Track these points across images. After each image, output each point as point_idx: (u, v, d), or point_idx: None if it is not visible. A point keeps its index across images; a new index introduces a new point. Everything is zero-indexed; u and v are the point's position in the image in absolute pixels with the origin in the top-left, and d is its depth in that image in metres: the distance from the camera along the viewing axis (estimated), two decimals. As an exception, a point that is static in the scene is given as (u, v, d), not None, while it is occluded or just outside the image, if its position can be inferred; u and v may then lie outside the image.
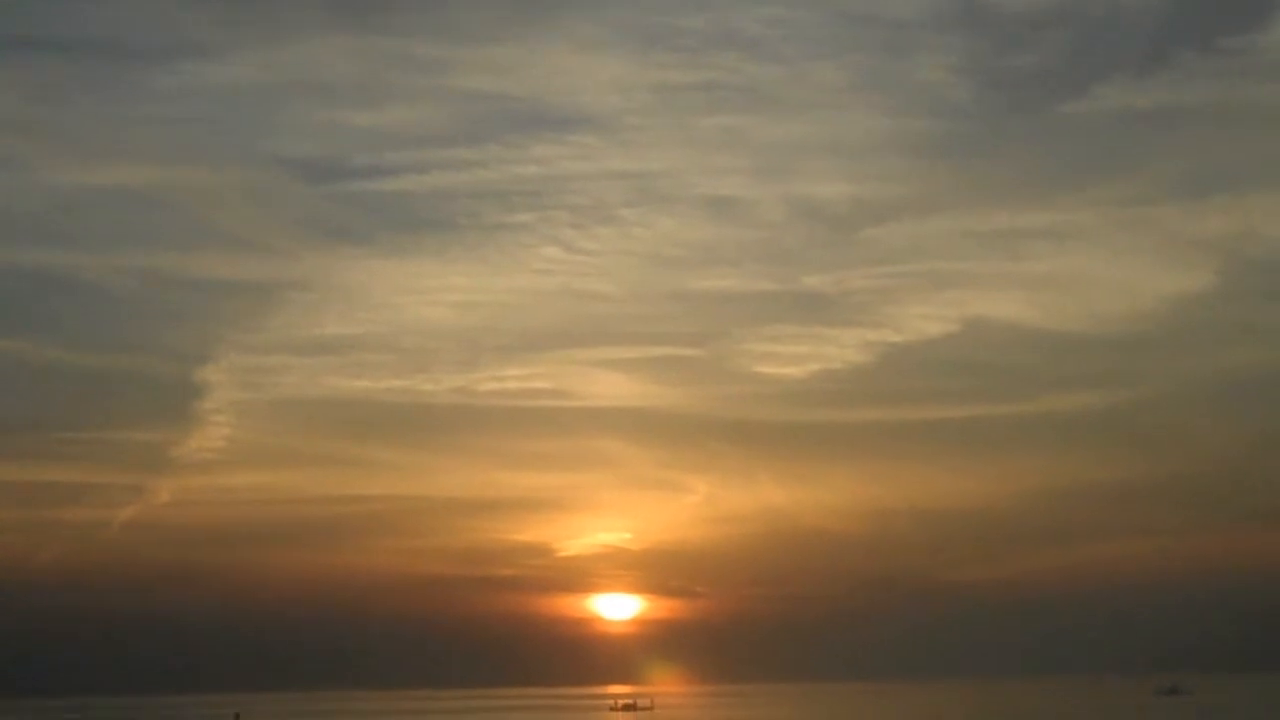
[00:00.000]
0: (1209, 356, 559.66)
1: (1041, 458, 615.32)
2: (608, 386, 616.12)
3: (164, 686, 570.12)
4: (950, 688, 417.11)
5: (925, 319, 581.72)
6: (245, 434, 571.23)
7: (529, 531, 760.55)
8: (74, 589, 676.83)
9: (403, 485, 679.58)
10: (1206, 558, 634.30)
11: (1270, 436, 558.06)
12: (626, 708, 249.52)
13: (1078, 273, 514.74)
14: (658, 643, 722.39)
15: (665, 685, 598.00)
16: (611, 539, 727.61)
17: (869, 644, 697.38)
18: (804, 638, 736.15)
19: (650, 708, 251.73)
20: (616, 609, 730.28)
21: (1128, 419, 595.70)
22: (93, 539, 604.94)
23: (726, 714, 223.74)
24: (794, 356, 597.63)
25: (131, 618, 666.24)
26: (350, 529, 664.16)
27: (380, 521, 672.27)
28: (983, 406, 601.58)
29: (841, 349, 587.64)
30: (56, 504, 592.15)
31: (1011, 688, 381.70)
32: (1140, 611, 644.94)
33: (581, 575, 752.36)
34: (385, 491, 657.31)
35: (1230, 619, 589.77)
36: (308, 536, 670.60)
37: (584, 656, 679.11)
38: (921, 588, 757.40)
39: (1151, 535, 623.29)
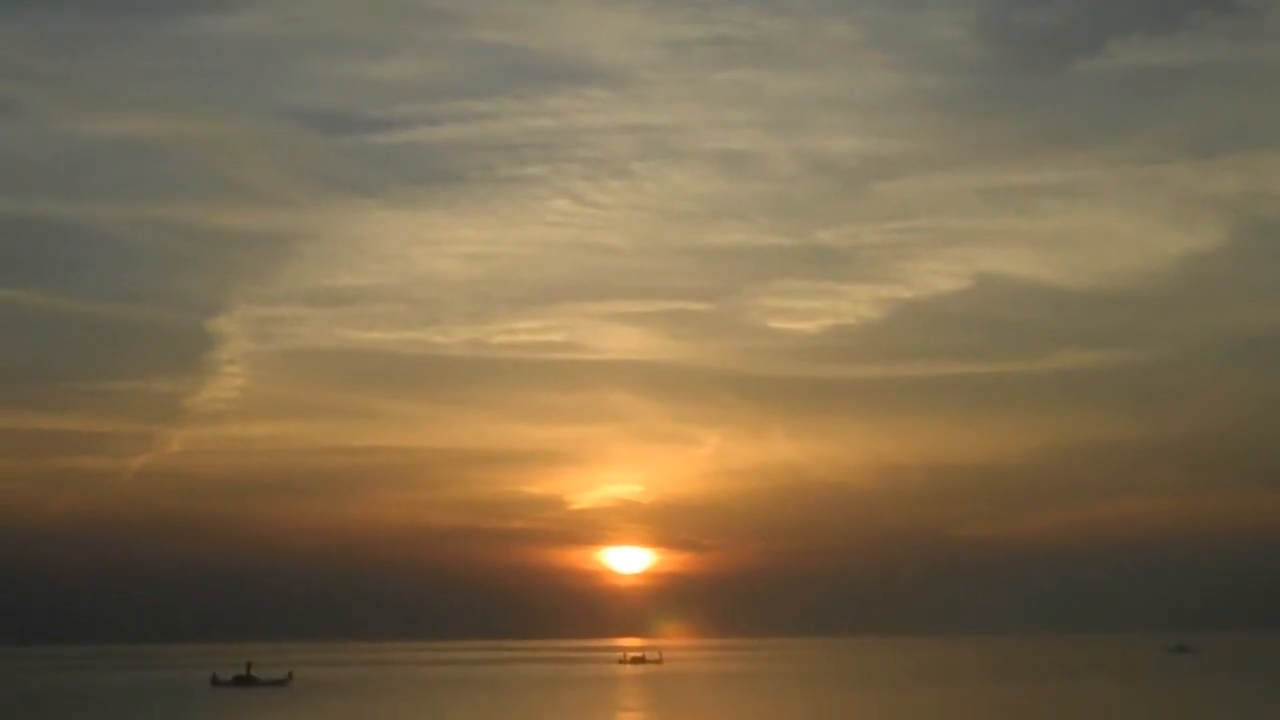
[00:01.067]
0: (1221, 315, 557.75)
1: (1052, 415, 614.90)
2: (619, 340, 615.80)
3: (175, 635, 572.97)
4: (958, 643, 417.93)
5: (937, 275, 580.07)
6: (257, 384, 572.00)
7: (540, 484, 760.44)
8: (86, 538, 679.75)
9: (414, 437, 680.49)
10: (1217, 517, 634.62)
11: (1276, 396, 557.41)
12: (635, 660, 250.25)
13: (1089, 230, 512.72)
14: (667, 596, 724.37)
15: (674, 638, 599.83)
16: (622, 492, 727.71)
17: (878, 599, 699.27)
18: (813, 592, 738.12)
19: (659, 661, 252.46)
20: (627, 562, 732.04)
21: (1139, 377, 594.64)
22: (105, 488, 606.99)
23: (735, 667, 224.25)
24: (806, 311, 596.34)
25: (143, 566, 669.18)
26: (362, 480, 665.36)
27: (392, 473, 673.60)
28: (994, 363, 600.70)
29: (853, 304, 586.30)
30: (69, 453, 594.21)
31: (1019, 644, 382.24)
32: (1150, 570, 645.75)
33: (592, 528, 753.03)
34: (397, 443, 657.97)
35: (1240, 578, 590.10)
36: (319, 487, 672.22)
37: (594, 609, 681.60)
38: (931, 543, 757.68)
39: (1162, 494, 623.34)
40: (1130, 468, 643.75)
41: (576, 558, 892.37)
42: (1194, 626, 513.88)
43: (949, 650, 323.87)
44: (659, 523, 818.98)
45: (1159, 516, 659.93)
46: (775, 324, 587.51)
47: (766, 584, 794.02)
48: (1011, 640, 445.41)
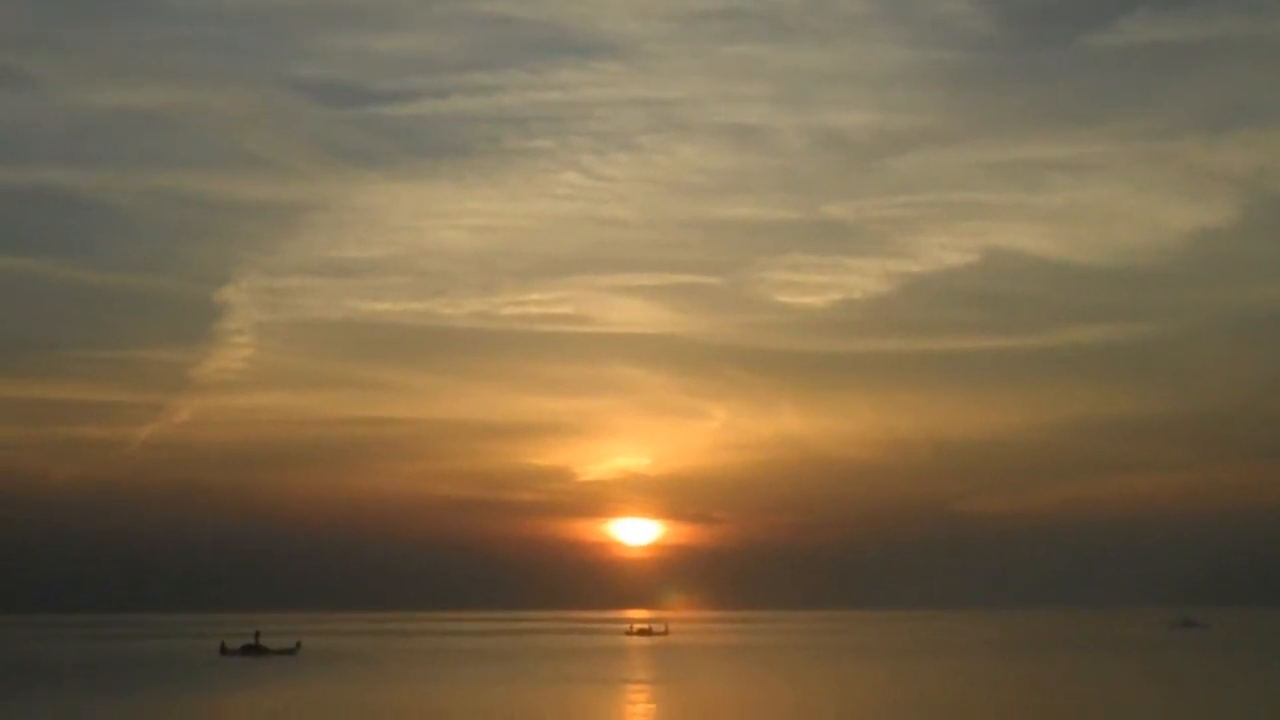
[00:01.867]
0: (1230, 291, 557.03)
1: (1060, 390, 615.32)
2: (627, 313, 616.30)
3: (182, 605, 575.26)
4: (964, 618, 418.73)
5: (945, 249, 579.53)
6: (265, 355, 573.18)
7: (549, 456, 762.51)
8: (92, 507, 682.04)
9: (422, 408, 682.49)
10: (1226, 492, 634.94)
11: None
12: (642, 632, 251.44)
13: (1098, 205, 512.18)
14: (675, 568, 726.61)
15: (682, 611, 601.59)
16: (630, 464, 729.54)
17: (885, 573, 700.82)
18: (820, 565, 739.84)
19: (665, 633, 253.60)
20: (635, 534, 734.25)
21: (1147, 353, 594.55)
22: (111, 458, 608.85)
23: (740, 640, 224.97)
24: (814, 285, 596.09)
25: (150, 536, 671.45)
26: (370, 451, 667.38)
27: (400, 444, 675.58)
28: (1001, 338, 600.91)
29: (861, 278, 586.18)
30: (76, 422, 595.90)
31: (1025, 619, 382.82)
32: (1157, 545, 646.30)
33: (600, 500, 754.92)
34: (405, 414, 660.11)
35: (1247, 553, 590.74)
36: (327, 458, 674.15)
37: (602, 581, 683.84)
38: (938, 518, 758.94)
39: (1170, 470, 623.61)
40: (1138, 443, 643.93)
41: (584, 529, 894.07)
42: (1201, 601, 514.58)
43: (955, 624, 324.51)
44: (667, 495, 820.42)
45: (1167, 492, 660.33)
46: (783, 298, 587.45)
47: (774, 557, 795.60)
48: (1018, 615, 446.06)
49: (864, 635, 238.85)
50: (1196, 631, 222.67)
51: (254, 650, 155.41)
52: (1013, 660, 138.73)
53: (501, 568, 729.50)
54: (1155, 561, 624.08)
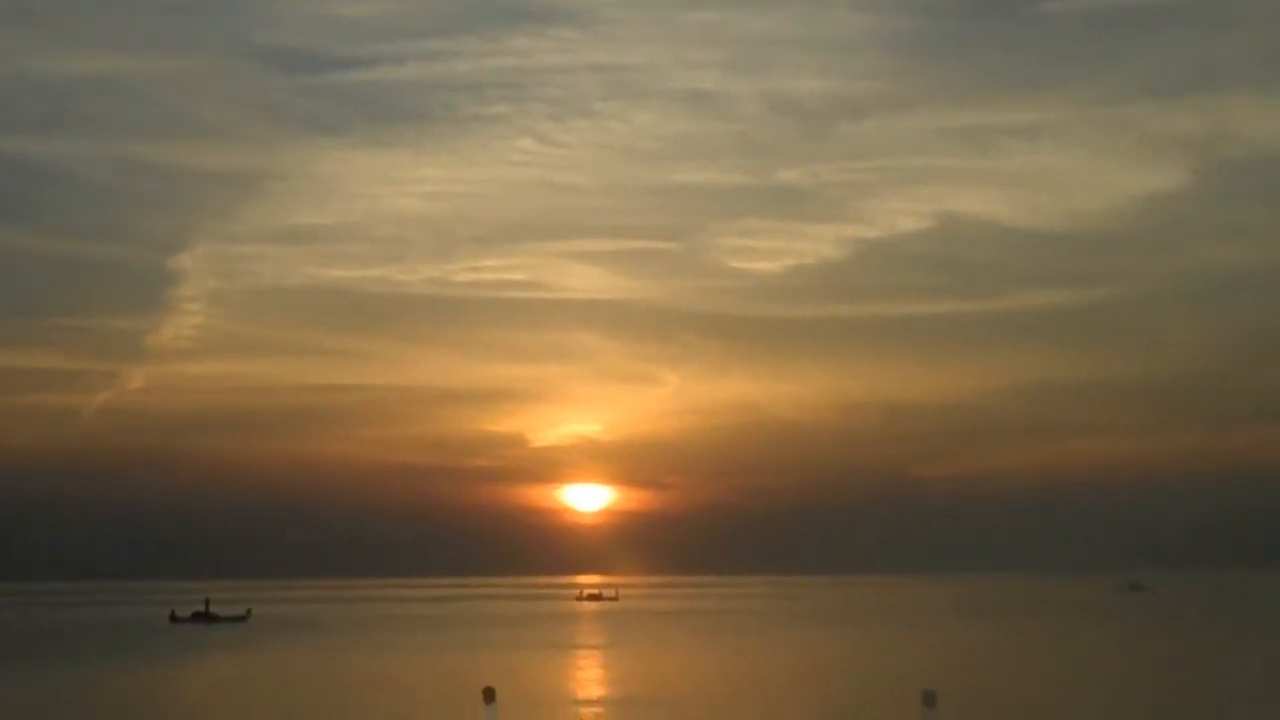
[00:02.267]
0: (1183, 256, 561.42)
1: (1014, 354, 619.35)
2: (582, 279, 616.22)
3: (134, 572, 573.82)
4: (917, 583, 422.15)
5: (899, 214, 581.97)
6: (220, 322, 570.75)
7: (503, 422, 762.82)
8: (46, 474, 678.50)
9: (377, 375, 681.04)
10: (1178, 457, 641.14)
11: (1244, 337, 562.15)
12: (592, 598, 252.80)
13: (1052, 170, 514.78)
14: (628, 533, 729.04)
15: (634, 576, 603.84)
16: (584, 430, 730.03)
17: (837, 538, 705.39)
18: (773, 531, 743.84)
19: (615, 598, 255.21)
20: (588, 500, 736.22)
21: (1101, 317, 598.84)
22: (66, 425, 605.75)
23: (691, 605, 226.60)
24: (769, 251, 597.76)
25: (104, 503, 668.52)
26: (325, 418, 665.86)
27: (355, 411, 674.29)
28: (956, 302, 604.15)
29: (815, 244, 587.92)
30: (30, 390, 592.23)
31: (977, 584, 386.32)
32: (1109, 510, 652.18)
33: (554, 466, 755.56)
34: (360, 381, 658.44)
35: (1199, 518, 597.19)
36: (283, 425, 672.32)
37: (555, 547, 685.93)
38: (891, 482, 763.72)
39: (1123, 434, 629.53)
40: (1091, 408, 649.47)
41: (538, 495, 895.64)
42: (1153, 565, 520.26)
43: (907, 590, 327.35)
44: (620, 461, 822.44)
45: (1119, 456, 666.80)
46: (738, 263, 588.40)
47: (727, 522, 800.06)
48: (970, 580, 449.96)
49: (815, 601, 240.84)
50: (1143, 596, 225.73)
51: (204, 618, 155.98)
52: (961, 625, 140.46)
53: (456, 534, 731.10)
54: (1107, 526, 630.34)
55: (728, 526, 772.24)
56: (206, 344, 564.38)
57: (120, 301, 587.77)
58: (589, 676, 75.53)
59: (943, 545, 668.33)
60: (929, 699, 50.38)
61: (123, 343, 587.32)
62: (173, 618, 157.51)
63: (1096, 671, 73.72)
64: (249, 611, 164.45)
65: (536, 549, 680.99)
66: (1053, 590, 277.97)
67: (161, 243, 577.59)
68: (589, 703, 59.41)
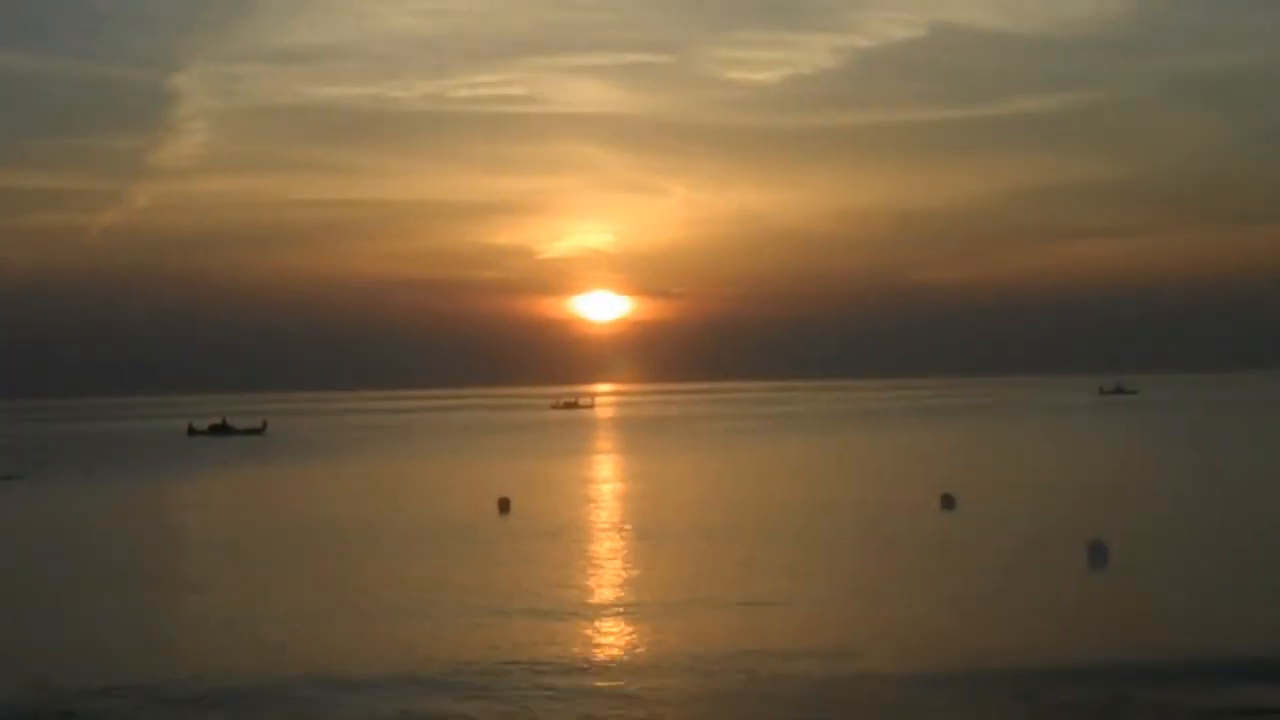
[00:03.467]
0: (1176, 58, 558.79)
1: (1013, 160, 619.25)
2: (580, 93, 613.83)
3: (144, 387, 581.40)
4: (919, 385, 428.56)
5: (892, 23, 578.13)
6: (221, 140, 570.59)
7: (508, 234, 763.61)
8: (55, 293, 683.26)
9: (379, 189, 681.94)
10: (1176, 259, 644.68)
11: (1244, 138, 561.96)
12: (568, 405, 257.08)
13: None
14: (638, 343, 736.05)
15: (646, 384, 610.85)
16: (591, 241, 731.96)
17: (843, 342, 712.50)
18: (781, 336, 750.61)
19: (591, 406, 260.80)
20: (597, 309, 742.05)
21: (1099, 121, 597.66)
22: (72, 244, 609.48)
23: (671, 411, 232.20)
24: (763, 62, 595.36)
25: (112, 321, 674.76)
26: (329, 232, 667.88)
27: (359, 226, 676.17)
28: (952, 109, 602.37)
29: (810, 54, 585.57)
30: (33, 209, 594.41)
31: (965, 386, 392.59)
32: (1103, 313, 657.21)
33: (562, 276, 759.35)
34: (363, 196, 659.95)
35: (1192, 320, 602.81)
36: (287, 240, 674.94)
37: (566, 356, 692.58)
38: (895, 288, 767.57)
39: (1120, 235, 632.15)
40: (1088, 209, 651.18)
41: (547, 306, 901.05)
42: (1147, 369, 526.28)
43: (909, 392, 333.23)
44: (628, 271, 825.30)
45: (1118, 259, 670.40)
46: (733, 74, 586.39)
47: (735, 329, 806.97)
48: (968, 383, 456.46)
49: (815, 405, 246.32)
50: (1125, 398, 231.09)
51: (221, 430, 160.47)
52: (945, 425, 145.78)
53: (467, 345, 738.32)
54: (1101, 330, 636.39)
55: (738, 332, 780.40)
56: (208, 162, 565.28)
57: (120, 121, 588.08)
58: (600, 481, 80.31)
59: (944, 349, 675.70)
60: (948, 501, 55.14)
61: (124, 162, 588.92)
62: (190, 431, 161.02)
63: (1077, 470, 78.54)
64: (265, 424, 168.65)
65: (548, 359, 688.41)
66: (1041, 393, 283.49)
67: (158, 62, 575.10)
68: (594, 506, 64.17)
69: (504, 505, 59.86)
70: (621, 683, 25.75)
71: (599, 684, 25.71)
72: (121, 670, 27.71)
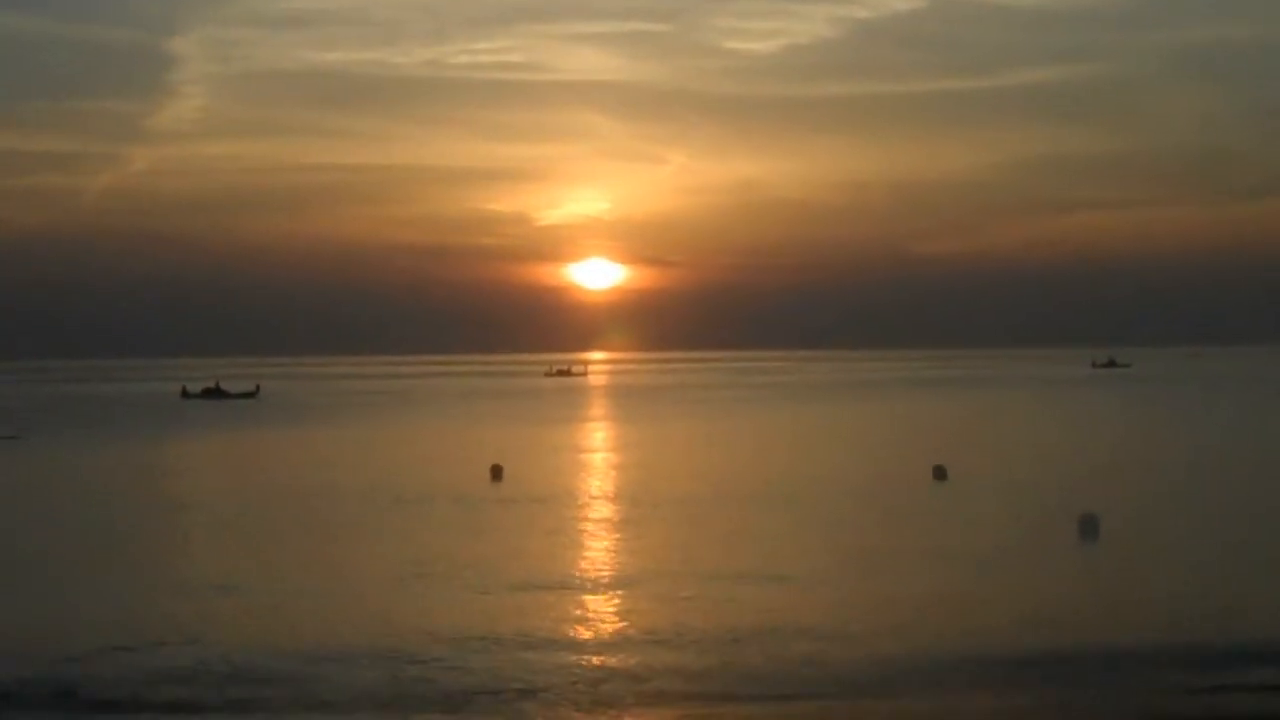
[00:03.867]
0: (1176, 31, 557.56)
1: (1012, 131, 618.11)
2: (579, 60, 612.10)
3: (140, 350, 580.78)
4: (907, 357, 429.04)
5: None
6: (219, 104, 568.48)
7: (506, 201, 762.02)
8: (53, 255, 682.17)
9: (378, 154, 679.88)
10: (1174, 233, 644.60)
11: (1244, 112, 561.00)
12: (561, 373, 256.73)
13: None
14: (634, 310, 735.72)
15: (644, 351, 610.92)
16: (588, 209, 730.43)
17: (841, 313, 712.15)
18: (779, 307, 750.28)
19: (584, 374, 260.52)
20: (594, 277, 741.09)
21: (1100, 93, 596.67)
22: (71, 206, 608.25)
23: (662, 380, 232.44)
24: (762, 31, 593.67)
25: (109, 283, 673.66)
26: (328, 197, 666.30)
27: (357, 190, 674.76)
28: (952, 80, 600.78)
29: (809, 24, 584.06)
30: (31, 172, 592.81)
31: (961, 359, 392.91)
32: (1099, 286, 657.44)
33: (559, 244, 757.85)
34: (361, 161, 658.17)
35: (1187, 293, 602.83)
36: (285, 204, 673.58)
37: (563, 324, 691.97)
38: (893, 259, 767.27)
39: (1120, 208, 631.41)
40: (1088, 182, 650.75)
41: (544, 273, 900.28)
42: (1140, 341, 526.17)
43: (903, 365, 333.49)
44: (625, 239, 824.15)
45: (1116, 231, 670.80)
46: (732, 44, 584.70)
47: (732, 299, 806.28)
48: (955, 355, 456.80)
49: (810, 375, 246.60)
50: (1118, 371, 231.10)
51: (215, 394, 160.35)
52: (939, 397, 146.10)
53: (462, 312, 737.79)
54: (1096, 304, 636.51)
55: (732, 303, 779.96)
56: (206, 126, 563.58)
57: (118, 85, 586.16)
58: (592, 449, 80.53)
59: (942, 321, 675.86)
60: (939, 473, 55.35)
61: (123, 125, 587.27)
62: (184, 394, 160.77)
63: (1071, 441, 78.87)
64: (258, 388, 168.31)
65: (543, 326, 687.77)
66: (1032, 367, 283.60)
67: (156, 26, 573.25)
68: (586, 474, 64.38)
69: (496, 472, 59.99)
70: (608, 656, 25.81)
71: (587, 656, 25.77)
72: (113, 639, 27.72)
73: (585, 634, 27.78)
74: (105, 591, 33.84)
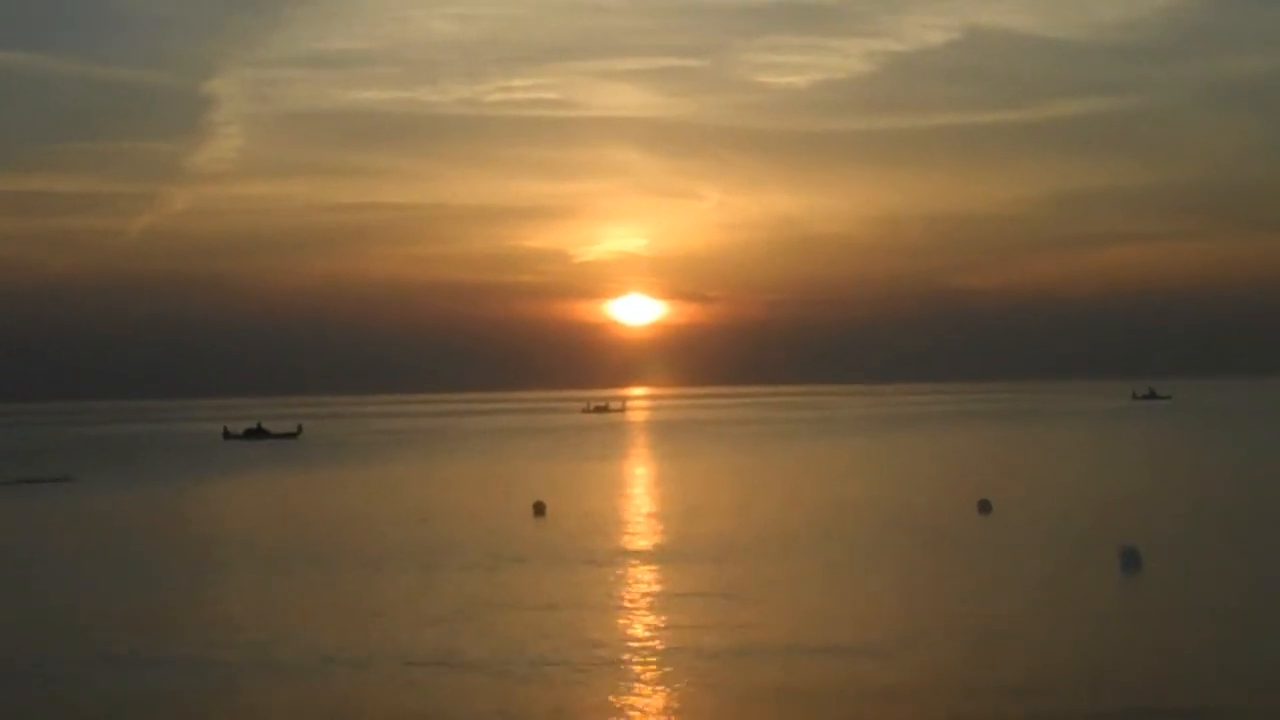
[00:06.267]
0: (1207, 63, 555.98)
1: (1047, 165, 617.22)
2: (613, 97, 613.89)
3: (179, 391, 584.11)
4: (947, 391, 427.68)
5: (926, 28, 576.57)
6: (257, 145, 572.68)
7: (543, 238, 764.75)
8: (91, 296, 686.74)
9: (414, 193, 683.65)
10: (1210, 264, 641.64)
11: (1273, 142, 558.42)
12: (599, 410, 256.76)
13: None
14: (673, 346, 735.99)
15: (682, 387, 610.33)
16: (625, 245, 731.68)
17: (877, 348, 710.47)
18: (816, 341, 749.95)
19: (622, 410, 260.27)
20: (632, 313, 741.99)
21: (1132, 126, 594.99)
22: (109, 247, 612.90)
23: (705, 415, 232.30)
24: (795, 66, 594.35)
25: (147, 324, 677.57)
26: (365, 236, 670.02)
27: (395, 229, 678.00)
28: (987, 114, 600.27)
29: (843, 58, 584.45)
30: (72, 213, 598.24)
31: (1001, 392, 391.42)
32: (1137, 318, 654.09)
33: (597, 280, 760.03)
34: (399, 199, 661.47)
35: (1227, 325, 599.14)
36: (323, 244, 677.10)
37: (602, 361, 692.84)
38: (930, 293, 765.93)
39: (1155, 240, 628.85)
40: (1124, 215, 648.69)
41: (582, 310, 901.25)
42: (1179, 374, 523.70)
43: (943, 398, 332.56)
44: (663, 275, 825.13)
45: (1152, 264, 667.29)
46: (765, 79, 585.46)
47: (770, 333, 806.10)
48: (1002, 388, 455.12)
49: (851, 409, 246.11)
50: (1159, 403, 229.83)
51: (257, 434, 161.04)
52: (981, 430, 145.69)
53: (501, 349, 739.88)
54: (1134, 336, 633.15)
55: (771, 338, 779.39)
56: (244, 167, 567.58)
57: (156, 126, 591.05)
58: (633, 484, 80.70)
59: (981, 355, 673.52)
60: (984, 506, 55.41)
61: (161, 166, 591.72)
62: (226, 434, 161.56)
63: (1112, 476, 78.66)
64: (300, 427, 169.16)
65: (582, 363, 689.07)
66: (1075, 399, 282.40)
67: (194, 68, 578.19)
68: (628, 509, 64.52)
69: (539, 509, 60.34)
70: (660, 680, 26.03)
71: (635, 683, 25.99)
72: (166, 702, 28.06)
73: (630, 662, 27.91)
74: (153, 631, 34.22)
